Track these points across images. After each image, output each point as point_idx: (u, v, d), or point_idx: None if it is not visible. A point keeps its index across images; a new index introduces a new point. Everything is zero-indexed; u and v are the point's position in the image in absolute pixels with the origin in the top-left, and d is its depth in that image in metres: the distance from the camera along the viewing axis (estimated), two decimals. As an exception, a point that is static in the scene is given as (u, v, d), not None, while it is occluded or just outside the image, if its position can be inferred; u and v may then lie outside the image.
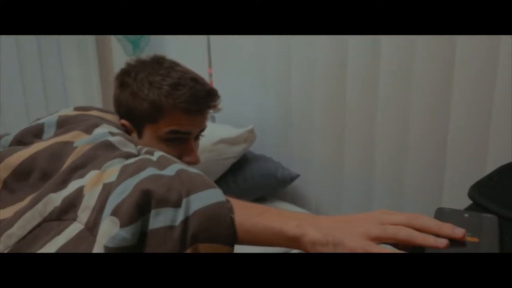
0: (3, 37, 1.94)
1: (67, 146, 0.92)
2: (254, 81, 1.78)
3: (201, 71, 1.20)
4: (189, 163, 1.10)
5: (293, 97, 1.64)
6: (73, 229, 0.74)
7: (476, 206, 0.77)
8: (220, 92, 1.17)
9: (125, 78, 1.16)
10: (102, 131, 0.96)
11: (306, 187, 1.67)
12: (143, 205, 0.68)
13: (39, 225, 0.78)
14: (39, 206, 0.80)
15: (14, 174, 0.91)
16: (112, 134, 0.95)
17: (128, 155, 0.86)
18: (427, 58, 1.24)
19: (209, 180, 0.74)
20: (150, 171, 0.73)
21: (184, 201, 0.68)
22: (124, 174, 0.74)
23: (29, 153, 0.92)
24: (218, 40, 1.93)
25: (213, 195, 0.70)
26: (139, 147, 0.94)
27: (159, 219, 0.67)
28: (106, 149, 0.89)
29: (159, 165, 0.77)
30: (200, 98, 1.13)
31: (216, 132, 1.56)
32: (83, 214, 0.75)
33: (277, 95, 1.71)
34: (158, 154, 0.83)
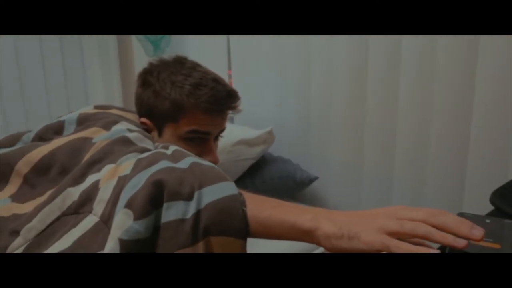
0: (27, 37, 1.97)
1: (86, 142, 0.94)
2: (273, 83, 1.78)
3: (221, 72, 1.21)
4: None
5: (312, 98, 1.63)
6: (89, 221, 0.75)
7: (498, 212, 0.76)
8: (239, 93, 1.17)
9: (148, 77, 1.17)
10: (120, 128, 0.97)
11: (325, 189, 1.66)
12: (155, 198, 0.68)
13: (57, 219, 0.80)
14: (58, 200, 0.81)
15: (35, 169, 0.92)
16: (130, 130, 0.97)
17: (144, 150, 0.87)
18: (449, 57, 1.23)
19: (222, 173, 0.74)
20: (163, 164, 0.74)
21: (196, 194, 0.69)
22: (138, 167, 0.75)
23: (49, 148, 0.94)
24: (238, 42, 1.93)
25: (226, 188, 0.70)
26: (156, 143, 0.95)
27: (171, 212, 0.68)
28: (123, 144, 0.90)
29: (173, 158, 0.78)
30: (221, 98, 1.14)
31: (235, 133, 1.56)
32: (98, 206, 0.76)
33: (296, 96, 1.70)
34: (172, 148, 0.84)
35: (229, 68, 2.04)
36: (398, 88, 1.37)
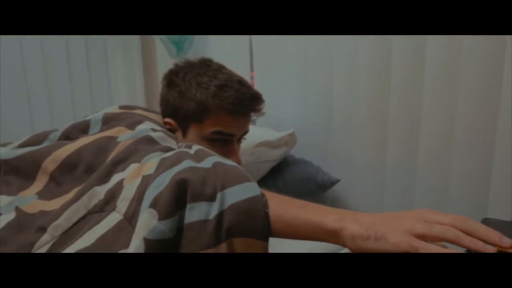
0: (54, 37, 2.00)
1: (111, 141, 0.95)
2: (295, 84, 1.78)
3: (243, 74, 1.21)
4: None
5: (334, 100, 1.63)
6: (112, 219, 0.76)
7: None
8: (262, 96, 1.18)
9: (174, 77, 1.18)
10: (144, 127, 0.99)
11: (346, 192, 1.65)
12: (179, 198, 0.69)
13: (83, 217, 0.81)
14: (84, 198, 0.82)
15: (61, 167, 0.94)
16: (154, 130, 0.98)
17: (167, 149, 0.87)
18: (474, 56, 1.21)
19: (245, 173, 0.74)
20: (186, 164, 0.74)
21: (218, 195, 0.69)
22: (162, 167, 0.76)
23: (75, 147, 0.96)
24: (260, 43, 1.94)
25: (248, 189, 0.70)
26: (180, 143, 0.95)
27: (194, 213, 0.68)
28: (147, 143, 0.91)
29: (196, 157, 0.78)
30: (245, 100, 1.15)
31: (256, 135, 1.56)
32: (122, 204, 0.77)
33: (318, 98, 1.70)
34: (195, 147, 0.84)
35: (252, 69, 2.04)
36: (422, 88, 1.35)
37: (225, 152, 1.15)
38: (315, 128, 1.73)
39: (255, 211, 0.68)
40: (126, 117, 1.07)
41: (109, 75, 2.23)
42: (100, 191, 0.82)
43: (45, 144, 1.07)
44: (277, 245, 0.77)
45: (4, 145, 1.13)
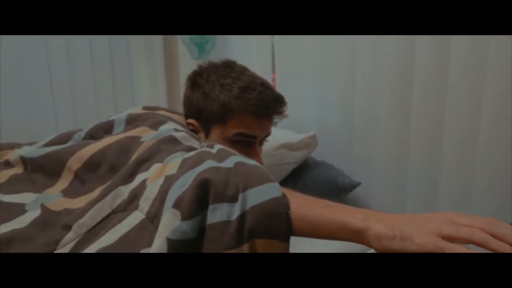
0: (78, 37, 2.03)
1: (135, 141, 0.96)
2: (317, 87, 1.77)
3: (265, 76, 1.21)
4: None
5: (356, 103, 1.62)
6: (135, 217, 0.77)
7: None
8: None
9: (198, 79, 1.19)
10: (167, 127, 1.00)
11: (368, 195, 1.64)
12: (202, 198, 0.69)
13: (107, 216, 0.82)
14: (109, 198, 0.83)
15: (85, 166, 0.95)
16: (177, 130, 0.99)
17: (190, 149, 0.88)
18: (499, 56, 1.19)
19: (267, 173, 0.74)
20: (209, 164, 0.74)
21: (240, 196, 0.69)
22: (184, 167, 0.76)
23: (99, 146, 0.97)
24: (282, 46, 1.94)
25: (270, 190, 0.70)
26: (202, 143, 0.96)
27: (216, 213, 0.69)
28: (169, 143, 0.92)
29: (218, 157, 0.78)
30: (268, 102, 1.15)
31: (277, 137, 1.56)
32: (144, 203, 0.78)
33: (340, 100, 1.69)
34: (217, 147, 0.85)
35: (273, 72, 2.04)
36: (446, 89, 1.33)
37: (247, 154, 1.15)
38: (336, 131, 1.72)
39: (276, 212, 0.68)
40: (149, 118, 1.08)
41: (132, 76, 2.25)
42: (124, 191, 0.83)
43: (70, 143, 1.08)
44: (299, 246, 0.77)
45: (30, 144, 1.16)
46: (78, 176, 0.95)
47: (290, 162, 1.56)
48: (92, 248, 0.77)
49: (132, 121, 1.09)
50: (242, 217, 0.68)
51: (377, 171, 1.59)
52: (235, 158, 0.77)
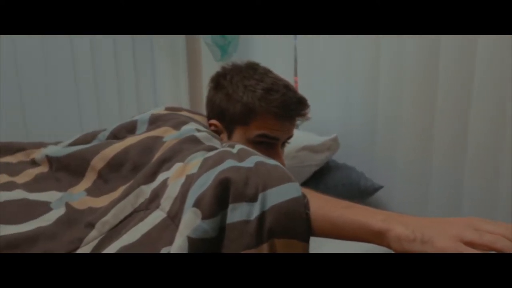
0: (102, 37, 2.06)
1: (157, 141, 0.97)
2: (339, 90, 1.77)
3: (287, 79, 1.22)
4: None
5: (379, 105, 1.60)
6: (156, 216, 0.78)
7: None
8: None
9: (221, 80, 1.20)
10: (189, 128, 1.01)
11: (390, 199, 1.63)
12: (222, 198, 0.70)
13: (130, 215, 0.83)
14: (131, 197, 0.84)
15: (109, 165, 0.97)
16: (199, 130, 0.99)
17: (211, 148, 0.89)
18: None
19: (287, 172, 0.74)
20: (229, 163, 0.75)
21: (260, 195, 0.69)
22: (205, 166, 0.77)
23: (122, 146, 0.98)
24: (304, 49, 1.93)
25: (290, 190, 0.70)
26: (224, 143, 0.96)
27: (236, 213, 0.69)
28: (191, 143, 0.93)
29: (238, 157, 0.79)
30: (291, 104, 1.15)
31: (299, 139, 1.55)
32: (166, 202, 0.79)
33: (362, 103, 1.68)
34: (238, 146, 0.85)
35: (295, 74, 2.04)
36: (471, 92, 1.30)
37: (269, 155, 1.15)
38: (358, 133, 1.71)
39: (296, 212, 0.68)
40: (172, 118, 1.09)
41: (155, 78, 2.28)
42: (146, 190, 0.84)
43: (94, 143, 1.10)
44: (319, 247, 0.77)
45: (56, 144, 1.18)
46: (102, 176, 0.97)
47: (312, 165, 1.55)
48: (114, 247, 0.78)
49: (154, 121, 1.10)
50: (261, 216, 0.68)
51: (399, 174, 1.57)
52: (256, 158, 0.78)
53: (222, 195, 0.70)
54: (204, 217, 0.69)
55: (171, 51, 2.26)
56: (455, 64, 1.34)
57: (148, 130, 1.07)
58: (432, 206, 1.47)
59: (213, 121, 1.19)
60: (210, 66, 2.24)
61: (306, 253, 0.69)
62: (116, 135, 1.12)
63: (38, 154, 1.09)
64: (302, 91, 1.58)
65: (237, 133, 1.16)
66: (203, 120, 1.20)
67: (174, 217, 0.76)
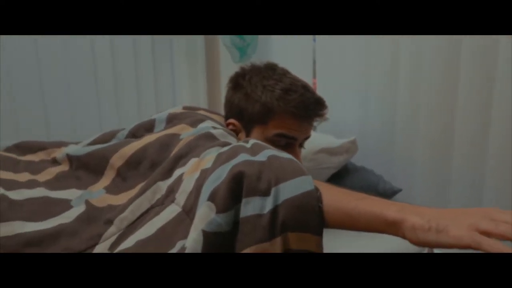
0: (121, 37, 2.07)
1: (174, 138, 0.98)
2: (358, 92, 1.76)
3: (305, 80, 1.22)
4: None
5: (398, 108, 1.59)
6: (172, 210, 0.79)
7: None
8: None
9: (240, 80, 1.21)
10: (206, 125, 1.02)
11: (409, 202, 1.60)
12: (236, 192, 0.70)
13: (147, 211, 0.84)
14: (148, 193, 0.86)
15: (127, 163, 0.98)
16: (215, 128, 1.01)
17: (226, 144, 0.89)
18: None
19: (300, 166, 0.74)
20: (242, 157, 0.75)
21: (273, 190, 0.69)
22: (219, 161, 0.77)
23: (141, 144, 1.00)
24: (323, 51, 1.93)
25: (302, 184, 0.70)
26: (239, 141, 0.97)
27: (249, 207, 0.69)
28: (206, 139, 0.94)
29: (252, 151, 0.79)
30: (309, 105, 1.15)
31: (317, 141, 1.55)
32: (181, 196, 0.80)
33: (381, 105, 1.67)
34: (252, 141, 0.85)
35: (314, 76, 2.03)
36: (492, 93, 1.29)
37: None
38: (377, 136, 1.70)
39: (309, 205, 0.68)
40: (189, 116, 1.10)
41: (174, 78, 2.29)
42: (163, 186, 0.85)
43: (113, 142, 1.12)
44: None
45: (76, 143, 1.20)
46: (120, 174, 0.98)
47: (330, 167, 1.55)
48: (130, 241, 0.79)
49: (172, 120, 1.11)
50: (274, 210, 0.68)
51: (418, 176, 1.55)
52: (269, 152, 0.77)
53: (236, 189, 0.70)
54: (218, 211, 0.69)
55: (190, 52, 2.27)
56: (476, 64, 1.32)
57: (165, 128, 1.08)
58: (453, 208, 1.45)
59: (232, 120, 1.20)
60: (228, 67, 2.24)
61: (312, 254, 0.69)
62: (134, 134, 1.13)
63: (59, 153, 1.11)
64: (320, 92, 1.58)
65: (255, 132, 1.17)
66: (221, 119, 1.21)
67: (189, 212, 0.76)
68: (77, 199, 0.94)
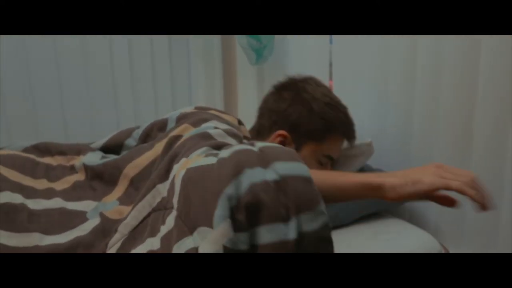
0: (139, 37, 2.08)
1: (177, 140, 0.99)
2: (375, 94, 1.74)
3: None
4: None
5: (415, 108, 1.56)
6: (172, 217, 0.78)
7: None
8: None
9: (302, 93, 1.26)
10: (208, 125, 1.01)
11: (426, 206, 1.59)
12: (253, 217, 0.69)
13: (148, 215, 0.84)
14: (148, 197, 0.86)
15: (141, 173, 0.99)
16: (216, 128, 0.99)
17: (220, 145, 0.87)
18: None
19: (315, 192, 0.72)
20: (255, 176, 0.72)
21: (293, 219, 0.70)
22: (224, 167, 0.73)
23: (154, 155, 1.00)
24: (340, 53, 1.91)
25: (321, 217, 0.71)
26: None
27: (268, 234, 0.69)
28: (201, 139, 0.92)
29: (261, 160, 0.75)
30: (354, 129, 1.30)
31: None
32: (175, 199, 0.78)
33: (398, 108, 1.65)
34: (260, 145, 0.81)
35: (330, 78, 2.02)
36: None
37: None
38: (393, 138, 1.68)
39: (327, 237, 0.72)
40: (195, 115, 1.10)
41: (190, 79, 2.29)
42: (162, 189, 0.85)
43: (128, 141, 1.13)
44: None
45: (90, 144, 1.20)
46: (133, 183, 0.99)
47: (347, 170, 1.53)
48: (141, 249, 0.79)
49: (181, 119, 1.11)
50: (298, 241, 0.70)
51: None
52: (281, 167, 0.74)
53: (253, 213, 0.69)
54: (236, 230, 0.69)
55: (206, 52, 2.27)
56: (496, 64, 1.29)
57: (173, 128, 1.08)
58: (472, 214, 1.42)
59: (282, 132, 1.22)
60: (245, 68, 2.24)
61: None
62: (149, 134, 1.14)
63: (78, 162, 1.12)
64: (336, 94, 1.57)
65: (307, 148, 1.23)
66: (233, 119, 1.20)
67: (180, 214, 0.75)
68: (92, 211, 0.95)
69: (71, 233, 0.89)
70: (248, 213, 0.69)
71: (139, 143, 1.15)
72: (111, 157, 1.09)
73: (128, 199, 0.97)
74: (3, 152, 1.11)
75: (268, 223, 0.69)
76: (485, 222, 1.38)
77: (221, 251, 0.68)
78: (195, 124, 1.04)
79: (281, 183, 0.72)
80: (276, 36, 2.10)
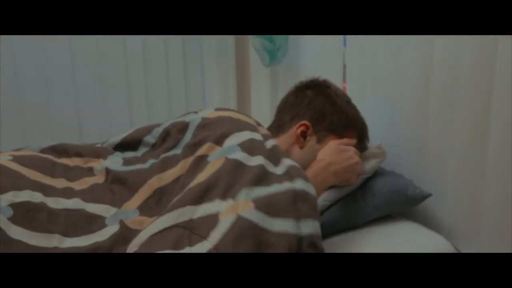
0: (153, 37, 2.10)
1: (202, 160, 1.03)
2: (389, 97, 1.73)
3: (336, 84, 1.25)
4: None
5: (430, 110, 1.55)
6: (202, 247, 0.82)
7: None
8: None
9: (325, 89, 1.37)
10: (231, 144, 1.04)
11: (440, 209, 1.57)
12: None
13: (170, 227, 0.85)
14: (175, 213, 0.89)
15: (165, 188, 1.02)
16: (241, 145, 1.04)
17: (258, 179, 0.97)
18: None
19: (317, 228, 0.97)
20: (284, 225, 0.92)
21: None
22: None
23: (180, 172, 1.04)
24: (353, 55, 1.91)
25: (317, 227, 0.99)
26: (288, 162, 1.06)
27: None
28: (235, 171, 0.98)
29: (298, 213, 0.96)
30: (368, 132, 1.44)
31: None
32: (215, 235, 0.84)
33: (412, 109, 1.64)
34: (287, 162, 0.93)
35: (344, 80, 2.02)
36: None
37: None
38: (407, 140, 1.67)
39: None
40: (217, 127, 1.12)
41: (203, 80, 2.30)
42: (193, 212, 0.88)
43: (147, 138, 1.15)
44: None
45: (103, 142, 1.21)
46: (155, 195, 1.01)
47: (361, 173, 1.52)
48: None
49: (203, 127, 1.13)
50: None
51: (450, 183, 1.52)
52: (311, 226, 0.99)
53: None
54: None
55: (220, 53, 2.28)
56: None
57: (194, 135, 1.10)
58: (487, 216, 1.41)
59: (306, 122, 1.27)
60: (259, 69, 2.25)
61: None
62: (169, 134, 1.15)
63: (98, 165, 1.13)
64: (350, 96, 1.57)
65: (328, 141, 1.28)
66: (253, 121, 1.22)
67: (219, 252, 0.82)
68: (111, 218, 0.97)
69: (90, 238, 0.90)
70: None
71: (158, 141, 1.17)
72: (137, 166, 1.10)
73: (148, 210, 0.99)
74: (22, 153, 1.12)
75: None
76: (500, 223, 1.37)
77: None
78: (218, 141, 1.07)
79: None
80: (290, 38, 2.10)
